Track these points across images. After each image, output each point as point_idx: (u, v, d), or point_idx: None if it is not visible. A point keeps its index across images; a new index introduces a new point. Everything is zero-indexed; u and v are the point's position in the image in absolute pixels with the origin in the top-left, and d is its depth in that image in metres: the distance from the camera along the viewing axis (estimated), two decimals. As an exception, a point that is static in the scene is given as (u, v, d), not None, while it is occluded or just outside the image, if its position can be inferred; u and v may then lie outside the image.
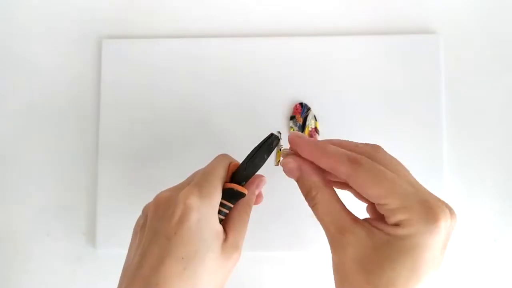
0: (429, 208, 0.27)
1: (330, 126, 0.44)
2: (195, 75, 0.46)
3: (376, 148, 0.31)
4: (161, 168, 0.45)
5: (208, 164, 0.34)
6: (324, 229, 0.30)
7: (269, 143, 0.33)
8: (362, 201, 0.32)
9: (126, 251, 0.33)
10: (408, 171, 0.31)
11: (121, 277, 0.31)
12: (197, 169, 0.35)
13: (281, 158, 0.33)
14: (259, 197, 0.37)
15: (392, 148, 0.43)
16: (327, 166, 0.30)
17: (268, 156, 0.33)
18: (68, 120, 0.47)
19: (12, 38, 0.48)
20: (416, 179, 0.30)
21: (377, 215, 0.30)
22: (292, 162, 0.32)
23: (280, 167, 0.33)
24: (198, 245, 0.29)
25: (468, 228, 0.44)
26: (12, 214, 0.46)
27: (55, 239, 0.46)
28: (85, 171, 0.46)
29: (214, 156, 0.35)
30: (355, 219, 0.30)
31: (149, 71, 0.46)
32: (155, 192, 0.33)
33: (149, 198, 0.33)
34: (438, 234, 0.27)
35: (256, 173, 0.34)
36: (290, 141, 0.32)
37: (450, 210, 0.28)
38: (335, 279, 0.30)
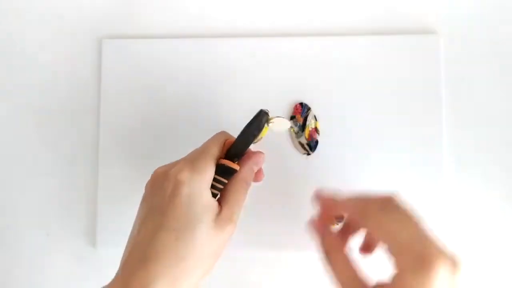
0: (421, 257, 0.28)
1: (330, 126, 0.44)
2: (195, 75, 0.46)
3: (387, 200, 0.32)
4: (161, 168, 0.45)
5: (204, 142, 0.36)
6: None
7: (259, 120, 0.34)
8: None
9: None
10: (417, 223, 0.31)
11: (125, 247, 0.34)
12: None
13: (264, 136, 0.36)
14: (259, 174, 0.38)
15: (392, 148, 0.44)
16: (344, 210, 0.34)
17: (258, 132, 0.35)
18: (68, 120, 0.47)
19: (12, 38, 0.48)
20: (426, 229, 0.30)
21: None
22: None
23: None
24: (188, 217, 0.31)
25: (468, 228, 0.44)
26: (12, 214, 0.46)
27: (55, 239, 0.46)
28: (85, 171, 0.46)
29: None
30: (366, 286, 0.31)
31: (149, 71, 0.46)
32: (155, 192, 0.33)
33: (149, 198, 0.33)
34: (429, 284, 0.27)
35: (256, 150, 0.36)
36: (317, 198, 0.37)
37: (453, 260, 0.28)
38: None
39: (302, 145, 0.44)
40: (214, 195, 0.34)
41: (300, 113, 0.44)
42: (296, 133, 0.44)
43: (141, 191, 0.46)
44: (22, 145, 0.47)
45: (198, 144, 0.45)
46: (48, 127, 0.47)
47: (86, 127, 0.47)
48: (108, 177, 0.45)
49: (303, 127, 0.44)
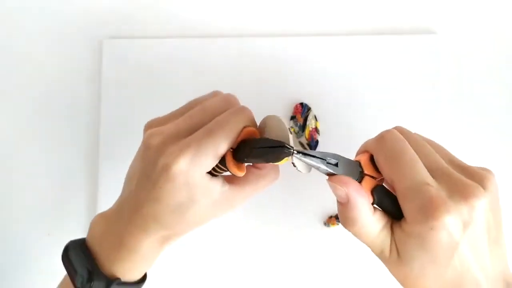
0: (428, 202, 0.25)
1: (330, 126, 0.44)
2: (195, 75, 0.46)
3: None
4: (161, 168, 0.45)
5: (219, 118, 0.31)
6: None
7: (278, 153, 0.29)
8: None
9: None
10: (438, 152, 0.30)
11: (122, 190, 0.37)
12: None
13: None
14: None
15: (392, 148, 0.44)
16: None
17: (269, 160, 0.30)
18: (69, 120, 0.47)
19: (12, 38, 0.48)
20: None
21: None
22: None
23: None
24: (185, 198, 0.31)
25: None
26: (12, 214, 0.46)
27: (55, 239, 0.46)
28: (85, 171, 0.46)
29: None
30: None
31: (149, 71, 0.46)
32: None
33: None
34: (437, 231, 0.25)
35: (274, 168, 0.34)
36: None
37: (463, 213, 0.25)
38: None
39: (302, 145, 0.44)
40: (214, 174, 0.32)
41: (300, 113, 0.44)
42: (296, 133, 0.44)
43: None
44: (22, 145, 0.47)
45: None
46: (48, 127, 0.47)
47: (86, 127, 0.47)
48: (108, 177, 0.45)
49: (303, 127, 0.44)
